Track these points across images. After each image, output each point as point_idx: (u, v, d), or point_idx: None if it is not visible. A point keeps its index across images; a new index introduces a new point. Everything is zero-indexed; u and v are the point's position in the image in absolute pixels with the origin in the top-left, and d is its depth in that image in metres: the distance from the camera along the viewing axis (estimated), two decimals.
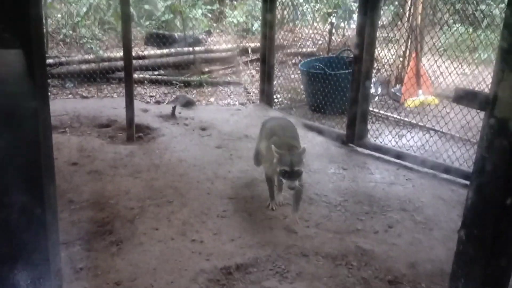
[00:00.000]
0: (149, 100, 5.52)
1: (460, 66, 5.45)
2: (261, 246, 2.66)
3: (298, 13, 7.12)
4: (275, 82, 5.40)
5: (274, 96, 5.35)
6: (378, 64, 6.46)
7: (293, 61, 6.56)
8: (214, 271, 2.41)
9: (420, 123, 4.61)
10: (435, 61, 4.68)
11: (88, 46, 6.78)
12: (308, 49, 6.82)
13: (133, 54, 6.45)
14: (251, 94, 5.71)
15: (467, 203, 2.00)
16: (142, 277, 2.36)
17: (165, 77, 6.23)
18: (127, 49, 4.05)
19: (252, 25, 7.92)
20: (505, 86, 1.82)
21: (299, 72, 5.61)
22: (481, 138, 1.93)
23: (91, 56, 6.35)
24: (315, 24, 7.03)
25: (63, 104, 5.05)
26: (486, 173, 1.89)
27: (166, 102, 5.35)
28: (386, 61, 6.07)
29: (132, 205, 3.07)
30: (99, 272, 2.43)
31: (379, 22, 6.19)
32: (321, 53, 6.49)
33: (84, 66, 6.13)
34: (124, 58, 4.10)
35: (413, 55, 5.52)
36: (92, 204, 3.09)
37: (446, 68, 4.77)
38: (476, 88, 4.63)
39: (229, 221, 2.94)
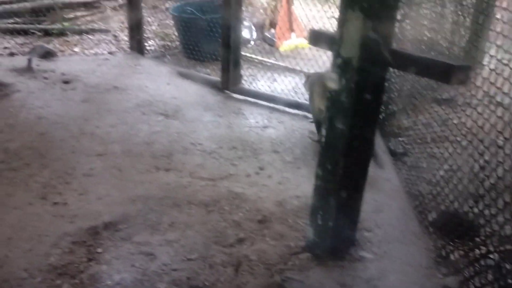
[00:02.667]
0: (1, 53, 4.87)
1: (330, 10, 5.66)
2: (131, 201, 2.56)
3: None
4: (147, 29, 5.12)
5: (146, 44, 5.08)
6: (253, 8, 6.45)
7: (166, 5, 6.25)
8: (79, 232, 2.27)
9: (295, 67, 4.74)
10: (304, 5, 4.78)
11: None
12: None
13: None
14: (121, 42, 5.33)
15: (321, 141, 2.11)
16: None
17: (19, 26, 5.51)
18: None
19: None
20: (348, 27, 1.89)
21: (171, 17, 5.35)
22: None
23: None
24: None
25: None
26: (335, 111, 1.99)
27: (22, 54, 4.77)
28: (260, 4, 6.08)
29: None
30: None
31: None
32: None
33: None
34: None
35: None
36: None
37: (318, 11, 4.91)
38: None
39: (97, 179, 2.77)
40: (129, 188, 2.70)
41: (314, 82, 3.29)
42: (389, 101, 3.50)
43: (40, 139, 3.13)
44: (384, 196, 2.78)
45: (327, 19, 5.52)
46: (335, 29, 1.96)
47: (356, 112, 1.94)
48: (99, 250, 2.20)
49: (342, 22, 1.87)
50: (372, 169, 2.80)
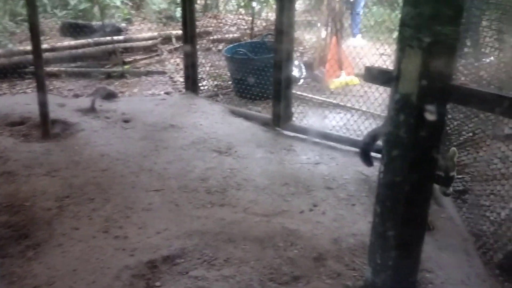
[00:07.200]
0: (66, 94, 5.23)
1: (381, 47, 5.68)
2: (188, 236, 2.61)
3: None
4: (200, 70, 5.34)
5: (200, 84, 5.28)
6: (303, 48, 6.59)
7: (219, 47, 6.51)
8: (139, 266, 2.33)
9: (342, 103, 4.76)
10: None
11: None
12: (233, 35, 6.79)
13: (48, 46, 6.12)
14: (176, 83, 5.59)
15: (379, 178, 2.09)
16: (61, 280, 2.24)
17: (83, 69, 5.93)
18: (35, 40, 3.78)
19: (175, 12, 7.73)
20: (407, 63, 1.90)
21: (224, 58, 5.57)
22: (388, 114, 2.02)
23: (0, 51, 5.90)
24: (239, 10, 7.01)
25: None
26: (394, 148, 1.98)
27: (86, 95, 5.09)
28: (309, 44, 6.21)
29: (49, 205, 2.89)
30: (14, 279, 2.27)
31: (302, 7, 6.30)
32: (246, 39, 6.49)
33: None
34: (33, 50, 3.83)
35: (334, 37, 5.67)
36: (6, 208, 2.87)
37: (369, 49, 4.94)
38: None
39: (155, 213, 2.86)
40: (186, 223, 2.76)
41: None
42: (448, 137, 3.42)
43: (102, 175, 3.29)
44: (445, 236, 2.67)
45: (378, 56, 5.56)
46: (388, 65, 1.98)
47: (416, 148, 1.92)
48: (158, 283, 2.24)
49: (400, 58, 1.88)
50: (432, 208, 2.73)
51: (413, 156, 1.93)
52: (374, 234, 2.15)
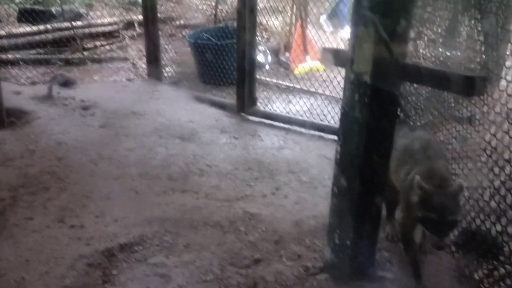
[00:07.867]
0: (24, 82, 5.02)
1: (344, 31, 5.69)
2: (147, 223, 2.57)
3: None
4: (164, 56, 5.22)
5: (164, 70, 5.17)
6: (268, 33, 6.54)
7: (183, 33, 6.39)
8: (95, 255, 2.27)
9: (306, 88, 4.75)
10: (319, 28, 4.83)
11: None
12: (198, 21, 6.67)
13: (4, 32, 5.86)
14: (139, 70, 5.45)
15: (336, 158, 2.09)
16: (12, 271, 2.15)
17: (42, 56, 5.70)
18: None
19: None
20: (361, 43, 1.89)
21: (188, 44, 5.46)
22: (344, 94, 2.02)
23: None
24: None
25: None
26: (349, 127, 1.98)
27: (43, 82, 4.91)
28: (274, 29, 6.17)
29: (2, 195, 2.79)
30: None
31: None
32: (210, 24, 6.38)
33: None
34: None
35: (299, 22, 5.64)
36: None
37: (332, 33, 4.95)
38: None
39: (114, 201, 2.79)
40: (146, 210, 2.71)
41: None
42: (406, 119, 3.46)
43: (59, 163, 3.18)
44: None
45: (341, 40, 5.58)
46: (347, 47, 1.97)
47: (370, 128, 1.92)
48: (114, 272, 2.20)
49: (354, 38, 1.87)
50: None
51: (368, 135, 1.93)
52: (332, 214, 2.16)
